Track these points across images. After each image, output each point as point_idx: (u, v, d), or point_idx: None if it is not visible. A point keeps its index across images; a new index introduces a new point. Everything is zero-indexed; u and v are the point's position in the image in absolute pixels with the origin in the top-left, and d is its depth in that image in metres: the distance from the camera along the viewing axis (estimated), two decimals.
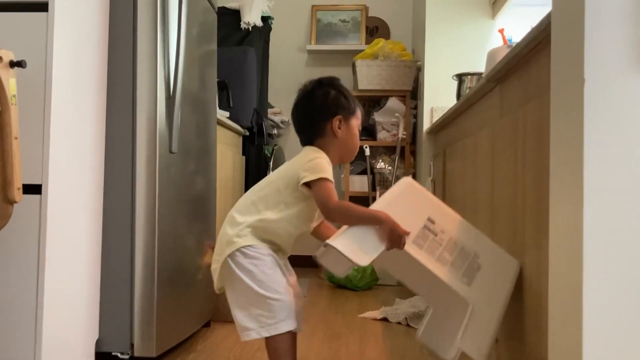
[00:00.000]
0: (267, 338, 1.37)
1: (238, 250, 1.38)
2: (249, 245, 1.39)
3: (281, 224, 1.43)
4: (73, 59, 1.53)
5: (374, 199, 3.60)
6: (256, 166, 3.49)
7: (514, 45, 1.54)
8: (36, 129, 1.42)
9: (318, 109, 1.51)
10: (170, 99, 1.76)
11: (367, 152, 3.58)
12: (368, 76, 3.58)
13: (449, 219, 1.49)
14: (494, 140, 1.75)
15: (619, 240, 0.91)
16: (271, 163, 3.54)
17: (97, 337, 1.66)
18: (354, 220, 1.35)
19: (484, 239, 1.53)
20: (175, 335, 1.83)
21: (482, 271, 1.43)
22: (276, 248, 1.45)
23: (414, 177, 3.60)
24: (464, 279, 1.40)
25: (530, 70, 1.43)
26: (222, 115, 2.81)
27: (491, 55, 2.10)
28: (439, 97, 3.15)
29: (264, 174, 3.53)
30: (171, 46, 1.78)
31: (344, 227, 1.36)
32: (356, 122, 1.55)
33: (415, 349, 1.96)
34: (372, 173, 3.70)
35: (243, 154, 3.39)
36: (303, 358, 1.83)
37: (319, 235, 1.57)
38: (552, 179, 1.06)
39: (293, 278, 1.50)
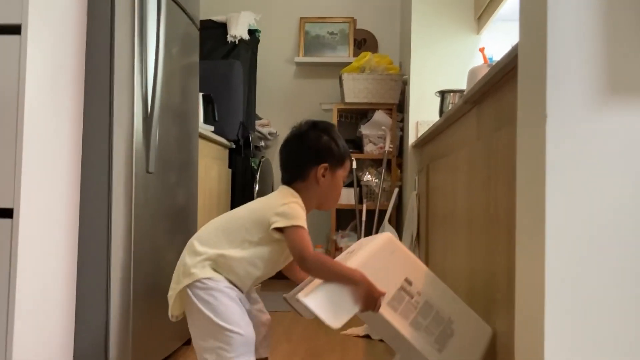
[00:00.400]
0: None
1: (197, 281, 1.35)
2: (208, 278, 1.35)
3: (242, 263, 1.38)
4: (48, 81, 1.52)
5: (360, 212, 3.61)
6: (243, 179, 3.48)
7: (494, 64, 1.54)
8: (8, 153, 1.41)
9: (306, 152, 1.47)
10: (147, 118, 1.76)
11: (354, 164, 3.59)
12: (354, 89, 3.59)
13: (426, 280, 1.47)
14: (471, 161, 1.75)
15: (576, 281, 0.91)
16: (258, 175, 3.54)
17: (72, 354, 1.65)
18: (330, 277, 1.32)
19: (459, 303, 1.52)
20: (153, 353, 1.82)
21: (454, 338, 1.43)
22: (233, 284, 1.39)
23: (400, 190, 3.60)
24: (436, 345, 1.40)
25: (503, 97, 1.44)
26: (207, 129, 2.81)
27: (472, 74, 2.11)
28: (424, 111, 3.16)
29: (251, 187, 3.52)
30: (149, 65, 1.78)
31: (316, 282, 1.33)
32: (342, 173, 1.51)
33: None
34: (359, 186, 3.70)
35: (230, 167, 3.38)
36: None
37: (292, 274, 1.54)
38: (518, 215, 1.06)
39: (258, 305, 1.48)
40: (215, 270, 1.37)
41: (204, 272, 1.36)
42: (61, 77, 1.59)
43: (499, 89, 1.48)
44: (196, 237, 1.44)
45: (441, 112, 2.60)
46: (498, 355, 1.41)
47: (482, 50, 2.33)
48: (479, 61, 2.48)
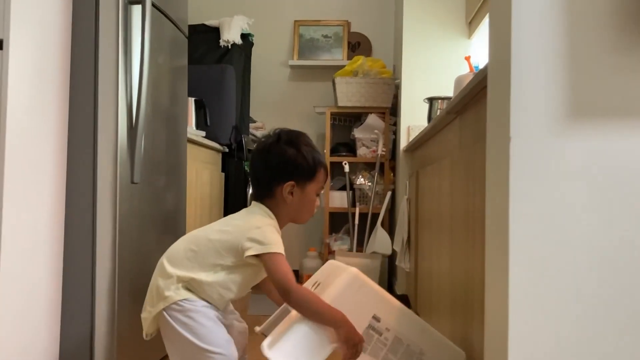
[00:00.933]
0: None
1: (173, 303, 1.31)
2: (184, 299, 1.31)
3: (215, 287, 1.33)
4: (31, 93, 1.54)
5: (353, 215, 3.62)
6: (236, 182, 3.50)
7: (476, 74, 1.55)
8: None
9: (270, 170, 1.39)
10: (132, 129, 1.77)
11: (347, 168, 3.60)
12: (347, 93, 3.60)
13: (394, 313, 1.42)
14: (453, 170, 1.77)
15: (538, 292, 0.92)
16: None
17: (57, 359, 1.67)
18: (311, 315, 1.26)
19: (430, 333, 1.48)
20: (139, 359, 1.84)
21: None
22: (209, 303, 1.36)
23: (393, 193, 3.61)
24: None
25: (482, 109, 1.44)
26: (198, 134, 2.83)
27: (458, 82, 2.12)
28: (415, 116, 3.17)
29: (244, 190, 3.54)
30: (134, 76, 1.79)
31: (285, 323, 1.28)
32: (315, 186, 1.42)
33: None
34: (352, 189, 3.71)
35: (223, 171, 3.40)
36: None
37: (266, 291, 1.51)
38: (487, 227, 1.08)
39: (234, 315, 1.48)
40: (189, 290, 1.33)
41: (178, 294, 1.32)
42: (45, 89, 1.60)
43: (479, 101, 1.49)
44: (166, 257, 1.39)
45: (429, 118, 2.61)
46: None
47: (467, 58, 2.33)
48: (467, 68, 2.49)
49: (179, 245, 1.40)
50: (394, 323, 1.39)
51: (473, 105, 1.55)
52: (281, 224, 1.42)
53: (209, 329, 1.32)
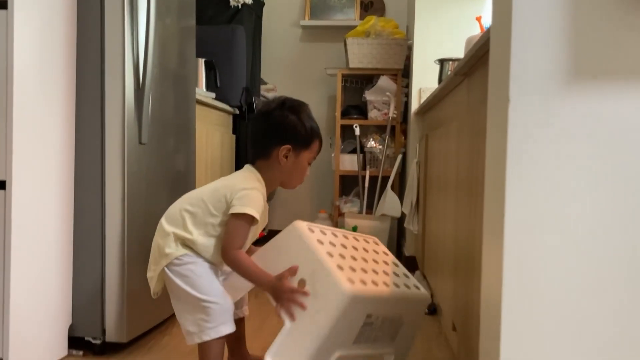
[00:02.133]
0: (201, 342, 1.39)
1: (175, 259, 1.40)
2: (184, 254, 1.41)
3: (208, 249, 1.42)
4: (37, 53, 1.54)
5: (363, 178, 3.63)
6: (247, 144, 3.51)
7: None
8: None
9: (269, 131, 1.47)
10: (139, 90, 1.78)
11: (358, 131, 3.58)
12: (359, 54, 3.55)
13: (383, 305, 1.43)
14: (460, 133, 1.76)
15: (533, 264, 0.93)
16: None
17: (70, 322, 1.73)
18: (242, 275, 1.39)
19: (407, 280, 1.52)
20: (147, 320, 1.89)
21: (404, 326, 1.50)
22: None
23: (404, 156, 3.60)
24: (392, 341, 1.49)
25: (488, 71, 1.43)
26: (208, 96, 2.83)
27: (468, 42, 2.08)
28: (427, 78, 3.12)
29: None
30: (141, 36, 1.79)
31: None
32: (308, 155, 1.50)
33: None
34: (363, 152, 3.70)
35: (234, 133, 3.41)
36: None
37: None
38: (485, 191, 1.08)
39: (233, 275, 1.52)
40: (187, 247, 1.42)
41: (178, 250, 1.41)
42: (51, 49, 1.61)
43: (486, 62, 1.46)
44: (164, 217, 1.47)
45: (440, 80, 2.57)
46: (473, 325, 1.45)
47: (478, 19, 2.28)
48: (478, 29, 2.44)
49: (176, 206, 1.48)
50: (381, 310, 1.41)
51: (480, 67, 1.53)
52: (270, 186, 1.49)
53: (206, 280, 1.40)
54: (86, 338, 1.74)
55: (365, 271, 1.38)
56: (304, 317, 1.29)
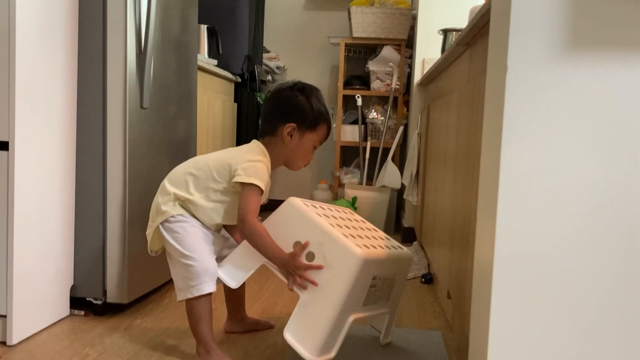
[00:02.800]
0: (186, 300, 1.43)
1: (170, 216, 1.45)
2: (179, 214, 1.45)
3: (206, 210, 1.46)
4: (40, 15, 1.54)
5: (364, 149, 3.63)
6: (248, 113, 3.51)
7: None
8: (1, 87, 1.46)
9: (278, 109, 1.51)
10: (141, 54, 1.78)
11: (360, 101, 3.58)
12: (363, 23, 3.52)
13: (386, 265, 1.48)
14: (460, 104, 1.76)
15: (525, 215, 0.95)
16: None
17: (72, 283, 1.76)
18: (257, 247, 1.40)
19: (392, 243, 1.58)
20: (148, 282, 1.92)
21: (396, 285, 1.55)
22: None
23: (405, 128, 3.60)
24: (387, 301, 1.55)
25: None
26: (210, 63, 2.82)
27: (472, 12, 2.06)
28: (431, 49, 3.10)
29: (256, 121, 3.55)
30: (143, 0, 1.78)
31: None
32: (313, 137, 1.52)
33: None
34: (364, 123, 3.70)
35: (236, 101, 3.40)
36: (269, 307, 1.93)
37: (230, 232, 1.59)
38: (481, 162, 1.09)
39: (227, 243, 1.55)
40: (184, 208, 1.47)
41: (175, 209, 1.46)
42: (53, 12, 1.60)
43: (487, 33, 1.46)
44: (167, 178, 1.51)
45: (443, 51, 2.56)
46: (468, 293, 1.48)
47: None
48: None
49: (180, 168, 1.52)
50: (381, 271, 1.46)
51: (482, 37, 1.52)
52: (275, 163, 1.53)
53: (193, 238, 1.44)
54: (87, 298, 1.78)
55: (361, 237, 1.42)
56: (318, 289, 1.33)
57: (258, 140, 1.55)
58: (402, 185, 3.33)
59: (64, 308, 1.74)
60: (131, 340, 1.60)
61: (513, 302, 0.96)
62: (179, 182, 1.48)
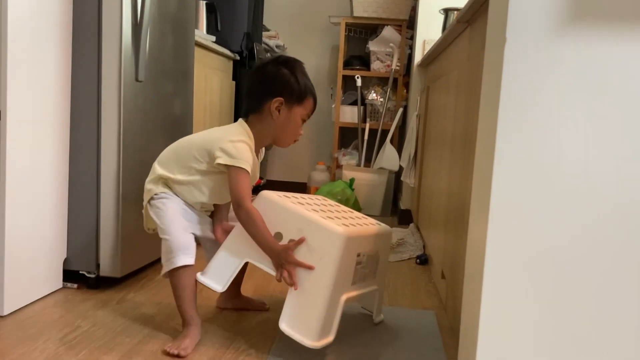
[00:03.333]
0: (169, 277, 1.43)
1: (155, 194, 1.47)
2: (163, 192, 1.47)
3: (189, 187, 1.46)
4: None
5: (363, 130, 3.61)
6: None
7: None
8: None
9: (263, 85, 1.47)
10: (137, 26, 1.75)
11: (359, 82, 3.55)
12: (364, 2, 3.48)
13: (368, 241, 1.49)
14: (459, 83, 1.74)
15: (518, 190, 0.93)
16: None
17: (65, 256, 1.76)
18: (252, 233, 1.38)
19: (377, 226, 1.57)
20: (141, 256, 1.92)
21: (380, 261, 1.57)
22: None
23: (405, 110, 3.58)
24: (375, 277, 1.56)
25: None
26: (208, 39, 2.78)
27: None
28: (432, 30, 3.06)
29: None
30: None
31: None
32: (302, 111, 1.48)
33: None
34: (364, 104, 3.67)
35: (234, 79, 3.37)
36: (264, 285, 1.93)
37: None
38: (477, 139, 1.07)
39: (208, 227, 1.55)
40: (168, 187, 1.48)
41: (157, 188, 1.47)
42: None
43: (487, 9, 1.43)
44: (157, 160, 1.52)
45: (444, 30, 2.52)
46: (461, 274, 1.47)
47: None
48: None
49: (168, 150, 1.53)
50: (365, 248, 1.48)
51: (484, 13, 1.49)
52: (262, 142, 1.51)
53: (170, 213, 1.44)
54: (81, 272, 1.77)
55: (338, 219, 1.42)
56: (306, 275, 1.33)
57: (243, 118, 1.51)
58: (400, 167, 3.32)
59: (56, 281, 1.74)
60: (123, 314, 1.59)
61: (505, 284, 0.95)
62: (165, 163, 1.50)
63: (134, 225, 1.83)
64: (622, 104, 0.90)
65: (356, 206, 3.30)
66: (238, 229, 1.43)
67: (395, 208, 3.60)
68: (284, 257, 1.33)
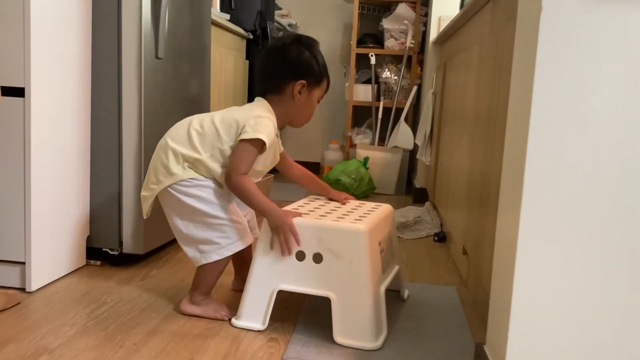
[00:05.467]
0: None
1: (182, 180, 1.38)
2: (192, 178, 1.39)
3: (217, 173, 1.39)
4: None
5: (377, 109, 3.59)
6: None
7: None
8: (16, 31, 1.43)
9: (286, 66, 1.43)
10: (156, 3, 1.74)
11: (373, 60, 3.52)
12: None
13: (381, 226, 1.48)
14: (481, 58, 1.72)
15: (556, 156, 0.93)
16: None
17: (88, 234, 1.77)
18: (245, 201, 1.38)
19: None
20: (163, 234, 1.93)
21: (392, 240, 1.58)
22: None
23: (419, 88, 3.55)
24: (394, 258, 1.58)
25: None
26: (222, 17, 2.76)
27: None
28: (447, 6, 3.03)
29: None
30: None
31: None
32: (319, 92, 1.48)
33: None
34: (377, 82, 3.65)
35: (247, 58, 3.36)
36: None
37: (288, 175, 1.61)
38: (509, 112, 1.06)
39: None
40: (195, 171, 1.40)
41: (186, 173, 1.38)
42: None
43: None
44: (169, 136, 1.43)
45: (461, 5, 2.49)
46: (485, 250, 1.47)
47: None
48: None
49: (183, 126, 1.44)
50: (382, 234, 1.49)
51: None
52: (280, 122, 1.47)
53: (219, 198, 1.40)
54: (104, 249, 1.79)
55: (346, 215, 1.41)
56: (343, 284, 1.30)
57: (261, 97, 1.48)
58: (415, 145, 3.30)
59: (80, 258, 1.76)
60: (147, 290, 1.61)
61: (539, 263, 0.94)
62: (183, 140, 1.40)
63: (156, 202, 1.84)
64: None
65: (370, 185, 3.30)
66: (257, 262, 1.37)
67: (409, 187, 3.59)
68: (288, 222, 1.31)
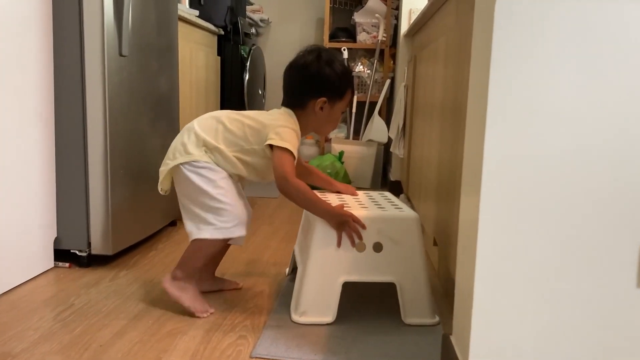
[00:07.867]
0: (198, 239, 1.42)
1: (195, 161, 1.42)
2: (206, 162, 1.43)
3: (233, 160, 1.44)
4: None
5: (350, 103, 3.59)
6: (232, 66, 3.43)
7: None
8: None
9: (307, 84, 1.47)
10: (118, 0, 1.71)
11: (346, 54, 3.52)
12: None
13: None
14: (447, 49, 1.72)
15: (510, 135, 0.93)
16: (248, 64, 3.49)
17: (55, 235, 1.74)
18: (303, 204, 1.40)
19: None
20: (133, 234, 1.91)
21: None
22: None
23: (392, 81, 3.56)
24: None
25: None
26: (192, 13, 2.73)
27: None
28: None
29: (241, 75, 3.49)
30: None
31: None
32: (342, 104, 1.51)
33: None
34: None
35: (219, 54, 3.32)
36: (256, 258, 1.93)
37: (311, 180, 1.65)
38: (469, 100, 1.07)
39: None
40: (212, 159, 1.44)
41: (202, 156, 1.43)
42: None
43: None
44: (198, 121, 1.48)
45: None
46: (453, 241, 1.48)
47: None
48: None
49: (212, 118, 1.49)
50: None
51: None
52: (303, 133, 1.52)
53: (226, 184, 1.44)
54: (72, 250, 1.76)
55: (382, 205, 1.53)
56: (406, 269, 1.41)
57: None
58: (389, 139, 3.31)
59: (48, 260, 1.73)
60: (117, 291, 1.59)
61: (499, 250, 0.95)
62: (209, 129, 1.45)
63: (125, 202, 1.82)
64: (619, 59, 0.89)
65: (346, 179, 3.30)
66: (315, 259, 1.40)
67: (385, 180, 3.60)
68: (344, 213, 1.38)
